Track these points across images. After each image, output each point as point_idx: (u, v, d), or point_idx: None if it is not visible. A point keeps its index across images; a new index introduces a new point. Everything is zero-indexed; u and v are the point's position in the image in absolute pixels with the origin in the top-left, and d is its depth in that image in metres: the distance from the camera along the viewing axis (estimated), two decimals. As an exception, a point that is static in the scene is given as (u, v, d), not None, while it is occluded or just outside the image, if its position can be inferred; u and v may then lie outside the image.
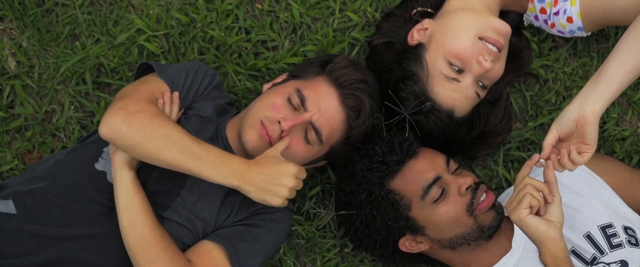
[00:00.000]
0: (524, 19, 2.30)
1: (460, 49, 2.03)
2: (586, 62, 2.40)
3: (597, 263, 2.06)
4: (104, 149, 2.03)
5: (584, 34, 2.21)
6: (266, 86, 2.16)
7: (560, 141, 1.88)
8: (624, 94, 2.41)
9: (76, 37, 2.35)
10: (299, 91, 2.03)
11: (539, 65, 2.37)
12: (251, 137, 2.01)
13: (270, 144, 2.00)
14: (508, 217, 2.17)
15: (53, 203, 1.96)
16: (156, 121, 1.89)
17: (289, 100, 2.02)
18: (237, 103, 2.33)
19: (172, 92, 2.05)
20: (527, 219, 1.86)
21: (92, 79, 2.32)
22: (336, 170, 2.34)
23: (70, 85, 2.32)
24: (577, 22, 2.14)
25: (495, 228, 2.08)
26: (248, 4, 2.34)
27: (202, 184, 2.01)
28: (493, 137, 2.31)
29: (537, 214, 1.89)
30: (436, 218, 2.07)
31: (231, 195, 2.04)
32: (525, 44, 2.34)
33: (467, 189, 2.05)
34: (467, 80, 2.05)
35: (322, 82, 2.06)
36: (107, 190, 1.97)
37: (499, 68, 2.09)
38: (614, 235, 2.10)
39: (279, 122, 1.98)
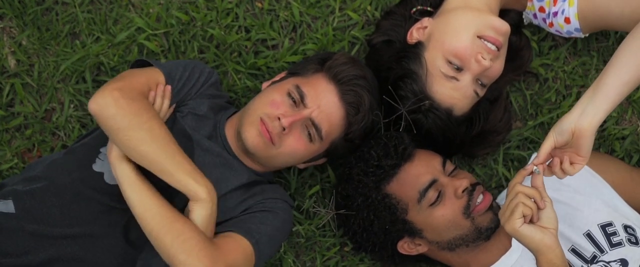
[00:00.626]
0: (524, 17, 2.30)
1: (459, 48, 2.03)
2: (586, 61, 2.40)
3: (597, 262, 2.06)
4: (101, 150, 2.02)
5: (581, 35, 2.21)
6: (265, 84, 2.17)
7: (555, 148, 1.88)
8: (623, 93, 2.41)
9: (76, 35, 2.35)
10: (298, 87, 2.03)
11: (539, 64, 2.37)
12: (251, 134, 2.01)
13: (271, 141, 2.00)
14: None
15: (52, 203, 1.95)
16: (145, 114, 1.89)
17: (288, 97, 2.02)
18: (237, 102, 2.33)
19: (167, 84, 2.05)
20: (521, 229, 1.83)
21: (92, 78, 2.31)
22: (336, 169, 2.34)
23: (70, 84, 2.32)
24: (575, 23, 2.14)
25: (493, 229, 2.08)
26: (248, 2, 2.34)
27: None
28: (493, 136, 2.31)
29: (531, 220, 1.88)
30: (433, 221, 2.07)
31: (231, 192, 2.05)
32: (525, 42, 2.34)
33: (463, 191, 2.05)
34: (466, 78, 2.05)
35: (321, 78, 2.07)
36: (105, 190, 1.96)
37: (498, 67, 2.09)
38: (614, 233, 2.10)
39: (279, 118, 1.98)
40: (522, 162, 2.38)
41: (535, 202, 1.85)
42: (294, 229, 2.29)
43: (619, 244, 2.08)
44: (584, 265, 2.07)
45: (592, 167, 2.21)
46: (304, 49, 2.32)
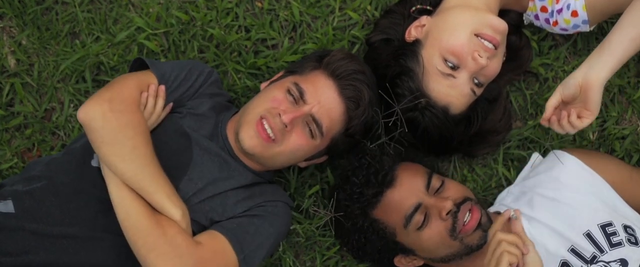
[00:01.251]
0: (524, 18, 2.30)
1: (456, 45, 2.02)
2: (586, 60, 2.40)
3: (597, 262, 2.06)
4: None
5: (587, 29, 2.21)
6: (264, 85, 2.17)
7: (563, 103, 1.90)
8: (623, 93, 2.41)
9: (76, 35, 2.35)
10: (296, 85, 2.03)
11: (538, 63, 2.37)
12: (247, 134, 2.01)
13: (269, 139, 2.00)
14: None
15: (51, 202, 1.96)
16: (131, 131, 1.91)
17: (288, 94, 2.02)
18: (237, 101, 2.33)
19: (160, 85, 2.05)
20: None
21: (92, 77, 2.32)
22: (335, 170, 2.34)
23: (70, 84, 2.32)
24: (582, 15, 2.14)
25: (483, 245, 2.06)
26: (248, 2, 2.34)
27: (200, 180, 2.02)
28: (493, 135, 2.31)
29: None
30: (422, 243, 2.07)
31: (231, 191, 2.05)
32: (525, 42, 2.34)
33: (447, 213, 2.01)
34: (462, 76, 2.05)
35: (320, 75, 2.07)
36: (103, 186, 1.97)
37: (494, 66, 2.09)
38: (614, 233, 2.10)
39: (280, 114, 1.99)
40: (522, 162, 2.38)
41: (518, 248, 1.88)
42: (292, 228, 2.29)
43: (619, 244, 2.08)
44: (583, 265, 2.06)
45: (591, 167, 2.21)
46: (304, 49, 2.32)
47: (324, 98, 2.04)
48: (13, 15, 2.32)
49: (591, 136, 2.41)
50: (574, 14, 2.15)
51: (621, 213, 2.16)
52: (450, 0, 2.14)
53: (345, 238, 2.21)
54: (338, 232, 2.24)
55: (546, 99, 2.36)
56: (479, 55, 2.01)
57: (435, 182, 2.08)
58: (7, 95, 2.32)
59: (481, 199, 2.39)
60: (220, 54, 2.32)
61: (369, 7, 2.34)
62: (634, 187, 2.23)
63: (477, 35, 2.03)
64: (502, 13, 2.24)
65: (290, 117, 1.98)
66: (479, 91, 2.11)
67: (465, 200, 2.04)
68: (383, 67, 2.13)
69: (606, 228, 2.11)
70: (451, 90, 2.06)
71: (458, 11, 2.08)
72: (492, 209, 2.29)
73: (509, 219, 1.94)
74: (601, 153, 2.36)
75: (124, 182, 1.90)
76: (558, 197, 2.17)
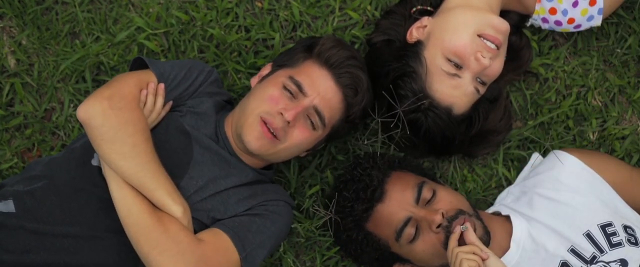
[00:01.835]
0: (532, 23, 2.30)
1: (458, 46, 2.02)
2: (586, 60, 2.40)
3: (597, 262, 2.06)
4: None
5: (599, 22, 2.23)
6: (254, 80, 2.15)
7: None
8: (623, 93, 2.41)
9: (76, 35, 2.34)
10: (292, 78, 2.02)
11: (539, 63, 2.37)
12: (252, 136, 2.00)
13: (274, 138, 1.99)
14: (506, 216, 2.18)
15: (52, 201, 1.96)
16: (131, 128, 1.91)
17: (285, 90, 2.01)
18: (237, 101, 2.32)
19: (159, 83, 2.05)
20: None
21: (92, 77, 2.31)
22: (335, 171, 2.34)
23: (70, 84, 2.32)
24: (600, 2, 2.17)
25: None
26: (248, 2, 2.34)
27: (201, 178, 2.02)
28: (493, 136, 2.31)
29: None
30: (416, 255, 2.07)
31: (232, 189, 2.05)
32: (525, 42, 2.33)
33: (437, 227, 2.00)
34: (466, 76, 2.05)
35: (313, 65, 2.06)
36: (104, 185, 1.97)
37: (497, 65, 2.09)
38: (614, 234, 2.09)
39: (281, 113, 1.98)
40: (522, 162, 2.38)
41: (476, 254, 1.90)
42: (293, 228, 2.29)
43: (619, 244, 2.08)
44: (583, 265, 2.06)
45: (591, 167, 2.21)
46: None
47: (322, 89, 2.04)
48: (13, 15, 2.32)
49: (591, 136, 2.41)
50: (592, 2, 2.17)
51: (621, 213, 2.16)
52: (452, 1, 2.14)
53: (343, 246, 2.22)
54: (337, 239, 2.24)
55: (546, 99, 2.38)
56: (482, 55, 2.01)
57: (427, 193, 2.06)
58: (7, 95, 2.32)
59: (481, 199, 2.39)
60: (220, 54, 2.32)
61: (369, 7, 2.34)
62: (634, 187, 2.23)
63: (479, 35, 2.03)
64: (503, 14, 2.24)
65: (292, 114, 1.98)
66: (482, 89, 2.11)
67: (457, 214, 2.01)
68: (385, 68, 2.13)
69: (606, 228, 2.11)
70: (454, 91, 2.06)
71: (460, 12, 2.08)
72: (492, 209, 2.29)
73: (461, 234, 1.95)
74: (601, 153, 2.36)
75: (125, 180, 1.90)
76: (558, 197, 2.17)
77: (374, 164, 2.14)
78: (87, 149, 2.00)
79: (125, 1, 2.33)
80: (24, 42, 2.34)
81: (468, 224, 1.96)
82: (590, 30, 2.37)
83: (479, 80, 2.08)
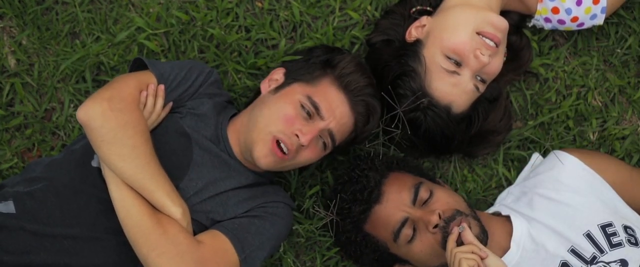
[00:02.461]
0: (534, 23, 2.29)
1: (458, 44, 2.02)
2: (586, 61, 2.40)
3: (597, 262, 2.06)
4: None
5: (601, 20, 2.23)
6: (264, 85, 2.13)
7: None
8: (624, 93, 2.41)
9: (76, 35, 2.34)
10: (310, 99, 2.01)
11: (539, 64, 2.37)
12: (263, 153, 2.00)
13: (283, 157, 1.99)
14: (506, 217, 2.18)
15: (52, 203, 1.96)
16: (131, 129, 1.90)
17: (302, 109, 2.00)
18: (237, 101, 2.33)
19: (159, 84, 2.04)
20: None
21: (92, 77, 2.31)
22: (335, 171, 2.34)
23: (70, 84, 2.31)
24: (603, 1, 2.18)
25: None
26: (248, 2, 2.34)
27: (200, 180, 2.02)
28: (493, 136, 2.31)
29: None
30: (415, 255, 2.07)
31: (231, 191, 2.05)
32: (526, 42, 2.33)
33: (434, 227, 2.00)
34: (465, 74, 2.05)
35: (331, 86, 2.05)
36: (103, 186, 1.96)
37: (496, 63, 2.09)
38: (614, 234, 2.10)
39: (297, 135, 1.98)
40: (523, 162, 2.38)
41: (475, 253, 1.90)
42: (293, 228, 2.29)
43: (619, 244, 2.08)
44: (583, 265, 2.06)
45: (592, 167, 2.21)
46: (304, 49, 2.31)
47: (338, 113, 2.04)
48: (13, 15, 2.32)
49: (591, 136, 2.41)
50: (596, 0, 2.18)
51: (621, 214, 2.16)
52: (451, 0, 2.14)
53: (343, 247, 2.22)
54: (337, 240, 2.25)
55: (546, 99, 2.38)
56: (481, 53, 2.01)
57: (424, 193, 2.06)
58: (7, 95, 2.32)
59: (481, 200, 2.39)
60: (220, 54, 2.32)
61: (369, 7, 2.34)
62: (634, 187, 2.23)
63: (478, 33, 2.03)
64: (503, 14, 2.24)
65: (309, 138, 1.98)
66: (482, 87, 2.11)
67: (454, 215, 2.01)
68: (384, 68, 2.13)
69: (606, 228, 2.11)
70: (454, 89, 2.06)
71: (459, 10, 2.08)
72: (492, 210, 2.29)
73: (459, 235, 1.96)
74: (601, 153, 2.36)
75: (124, 182, 1.90)
76: (558, 197, 2.17)
77: (372, 165, 2.15)
78: (87, 151, 2.00)
79: (125, 1, 2.33)
80: (24, 42, 2.34)
81: (465, 224, 1.96)
82: (591, 30, 2.37)
83: (478, 78, 2.08)
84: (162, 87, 2.04)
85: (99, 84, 2.32)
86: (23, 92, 2.32)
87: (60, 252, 1.92)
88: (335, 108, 2.03)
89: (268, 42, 2.34)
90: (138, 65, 2.11)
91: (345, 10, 2.34)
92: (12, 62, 2.33)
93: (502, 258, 2.09)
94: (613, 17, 2.39)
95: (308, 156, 2.05)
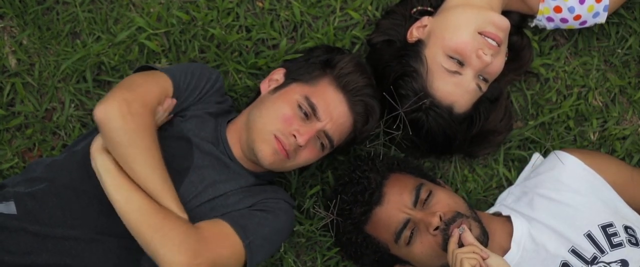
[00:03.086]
0: (536, 23, 2.29)
1: (459, 43, 2.02)
2: (587, 61, 2.40)
3: (598, 262, 2.06)
4: None
5: (604, 19, 2.23)
6: (264, 85, 2.14)
7: None
8: (624, 93, 2.41)
9: (77, 35, 2.34)
10: (307, 99, 2.02)
11: (539, 64, 2.37)
12: (266, 153, 2.00)
13: (287, 157, 2.00)
14: (507, 217, 2.18)
15: (53, 204, 1.95)
16: (148, 134, 1.91)
17: (299, 109, 2.01)
18: (237, 102, 2.33)
19: (173, 96, 2.04)
20: None
21: (93, 77, 2.31)
22: (335, 171, 2.34)
23: (70, 83, 2.31)
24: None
25: None
26: (249, 2, 2.34)
27: (201, 183, 2.02)
28: (494, 136, 2.31)
29: None
30: (415, 257, 2.07)
31: (231, 192, 2.05)
32: (526, 42, 2.33)
33: (435, 229, 2.00)
34: (468, 73, 2.05)
35: (329, 86, 2.06)
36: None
37: (498, 63, 2.09)
38: (615, 234, 2.10)
39: (294, 136, 1.98)
40: (523, 162, 2.38)
41: (476, 253, 1.90)
42: (294, 229, 2.29)
43: (620, 245, 2.08)
44: (584, 266, 2.06)
45: (592, 167, 2.21)
46: (305, 49, 2.31)
47: (335, 114, 2.04)
48: (14, 15, 2.32)
49: (592, 136, 2.41)
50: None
51: (622, 214, 2.16)
52: (452, 0, 2.14)
53: (344, 248, 2.23)
54: (338, 241, 2.25)
55: (547, 99, 2.38)
56: (484, 52, 2.01)
57: (424, 195, 2.07)
58: (8, 95, 2.32)
59: (482, 200, 2.39)
60: (221, 54, 2.32)
61: (370, 7, 2.34)
62: (634, 187, 2.23)
63: (480, 33, 2.03)
64: (504, 14, 2.24)
65: (305, 138, 1.98)
66: (484, 87, 2.11)
67: (455, 217, 2.01)
68: (385, 68, 2.13)
69: (607, 229, 2.11)
70: (456, 89, 2.06)
71: (461, 10, 2.08)
72: (492, 210, 2.29)
73: (459, 236, 1.96)
74: (602, 153, 2.36)
75: (135, 181, 1.90)
76: (559, 197, 2.17)
77: (373, 166, 2.15)
78: (86, 151, 2.00)
79: (126, 1, 2.33)
80: (24, 42, 2.34)
81: (465, 226, 1.96)
82: (591, 30, 2.37)
83: (481, 77, 2.08)
84: (173, 101, 2.04)
85: (99, 83, 2.32)
86: (24, 92, 2.32)
87: (62, 254, 1.92)
88: (333, 109, 2.03)
89: (269, 42, 2.34)
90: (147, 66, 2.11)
91: (346, 10, 2.34)
92: (12, 61, 2.33)
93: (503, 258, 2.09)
94: (614, 17, 2.39)
95: (307, 156, 2.05)
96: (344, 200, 2.11)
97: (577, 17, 2.23)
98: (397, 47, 2.17)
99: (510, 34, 2.11)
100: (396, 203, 2.06)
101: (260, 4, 2.34)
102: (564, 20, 2.25)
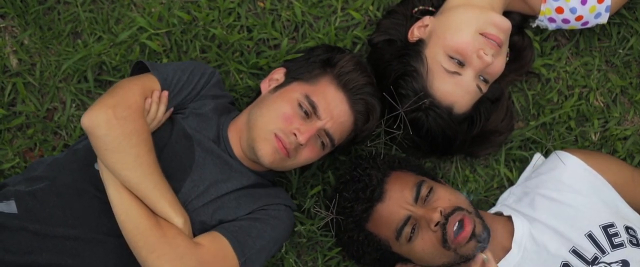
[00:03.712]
0: (538, 24, 2.29)
1: (460, 43, 2.02)
2: (588, 61, 2.40)
3: (598, 263, 2.06)
4: None
5: (605, 19, 2.23)
6: (264, 85, 2.14)
7: None
8: (625, 94, 2.41)
9: (78, 35, 2.34)
10: (307, 98, 2.02)
11: (540, 64, 2.37)
12: (267, 151, 2.00)
13: (287, 155, 2.01)
14: (508, 217, 2.18)
15: (54, 203, 1.96)
16: (135, 138, 1.90)
17: (299, 108, 2.01)
18: (238, 102, 2.33)
19: (162, 90, 2.04)
20: None
21: (94, 77, 2.31)
22: (336, 171, 2.34)
23: (71, 83, 2.32)
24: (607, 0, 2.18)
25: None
26: (250, 2, 2.34)
27: (202, 182, 2.02)
28: (495, 136, 2.31)
29: None
30: (416, 254, 2.07)
31: (232, 193, 2.05)
32: (528, 43, 2.34)
33: (435, 225, 2.00)
34: (468, 74, 2.05)
35: (329, 85, 2.06)
36: (104, 188, 1.96)
37: (499, 63, 2.09)
38: (616, 234, 2.09)
39: (295, 134, 1.98)
40: (524, 162, 2.38)
41: None
42: (295, 229, 2.29)
43: (621, 245, 2.08)
44: (585, 266, 2.06)
45: (593, 168, 2.21)
46: (305, 49, 2.31)
47: (336, 112, 2.04)
48: (15, 14, 2.32)
49: (593, 137, 2.41)
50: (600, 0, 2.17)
51: (623, 214, 2.16)
52: (454, 0, 2.14)
53: (345, 247, 2.23)
54: (339, 240, 2.25)
55: (548, 100, 2.38)
56: (485, 52, 2.01)
57: (425, 191, 2.06)
58: (9, 94, 2.32)
59: (483, 200, 2.39)
60: (222, 54, 2.32)
61: (371, 7, 2.34)
62: (635, 188, 2.23)
63: (481, 33, 2.03)
64: (505, 14, 2.24)
65: (306, 137, 1.98)
66: (485, 88, 2.11)
67: (454, 210, 2.02)
68: (386, 68, 2.13)
69: (608, 229, 2.11)
70: (456, 89, 2.06)
71: (462, 10, 2.08)
72: (494, 210, 2.29)
73: (483, 263, 1.96)
74: (603, 154, 2.36)
75: (128, 188, 1.90)
76: (560, 197, 2.17)
77: (374, 164, 2.15)
78: (89, 152, 2.00)
79: (127, 1, 2.33)
80: (26, 42, 2.34)
81: (490, 255, 1.96)
82: (593, 30, 2.37)
83: (481, 78, 2.08)
84: (165, 93, 2.04)
85: (100, 83, 2.32)
86: (25, 91, 2.32)
87: (62, 253, 1.92)
88: (333, 107, 2.03)
89: (270, 42, 2.34)
90: (140, 68, 2.11)
91: (347, 10, 2.34)
92: (14, 61, 2.34)
93: (504, 259, 2.09)
94: (615, 18, 2.39)
95: (307, 155, 2.05)
96: (345, 197, 2.11)
97: (579, 18, 2.23)
98: (397, 47, 2.17)
99: (512, 35, 2.11)
100: (397, 200, 2.06)
101: (262, 4, 2.34)
102: (565, 21, 2.25)
